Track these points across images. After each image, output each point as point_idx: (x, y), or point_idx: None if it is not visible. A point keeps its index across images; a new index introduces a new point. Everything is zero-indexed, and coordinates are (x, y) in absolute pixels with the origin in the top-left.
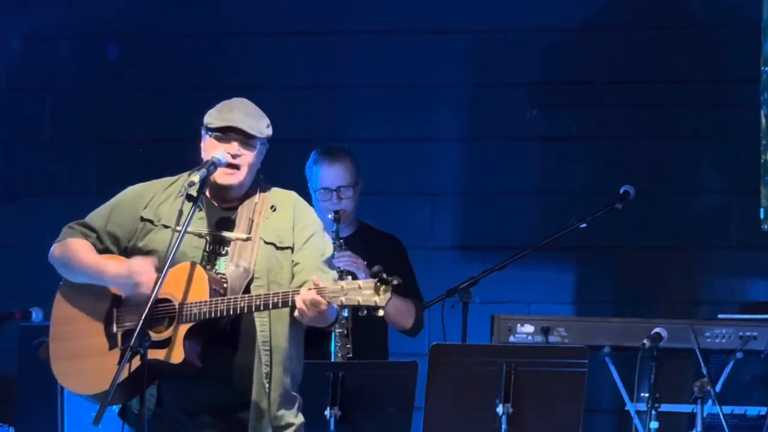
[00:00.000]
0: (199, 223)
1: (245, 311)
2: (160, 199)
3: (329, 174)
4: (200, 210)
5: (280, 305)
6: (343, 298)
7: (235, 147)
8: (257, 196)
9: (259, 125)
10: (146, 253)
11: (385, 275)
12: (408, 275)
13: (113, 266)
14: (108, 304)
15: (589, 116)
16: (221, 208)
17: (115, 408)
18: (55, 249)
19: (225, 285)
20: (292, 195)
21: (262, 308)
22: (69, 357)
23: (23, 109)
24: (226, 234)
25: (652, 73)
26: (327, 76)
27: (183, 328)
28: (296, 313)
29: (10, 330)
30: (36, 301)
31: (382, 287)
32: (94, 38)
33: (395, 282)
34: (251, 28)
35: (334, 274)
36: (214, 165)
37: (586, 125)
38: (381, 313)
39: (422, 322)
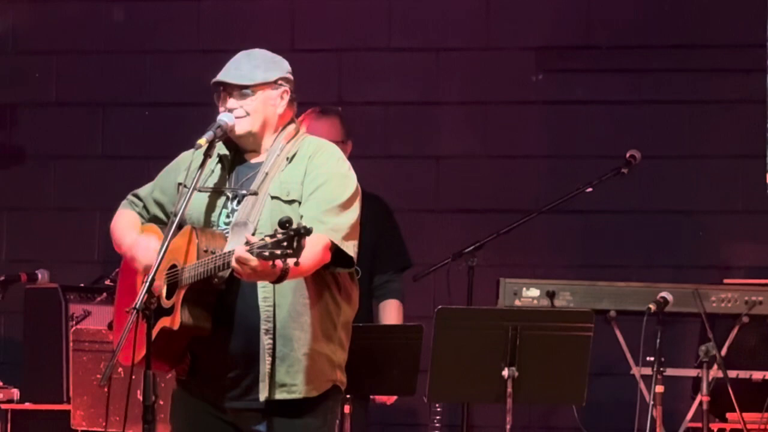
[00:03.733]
0: (223, 180)
1: (212, 272)
2: (198, 162)
3: (317, 127)
4: (223, 168)
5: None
6: (266, 253)
7: (231, 102)
8: (280, 146)
9: (252, 73)
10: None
11: (291, 224)
12: (395, 238)
13: (126, 239)
14: (141, 275)
15: (595, 80)
16: (249, 161)
17: None
18: (112, 221)
19: (224, 244)
20: (314, 144)
21: (221, 268)
22: (117, 330)
23: (30, 71)
24: (237, 191)
25: (659, 37)
26: (332, 39)
27: (180, 294)
28: (235, 272)
29: (17, 292)
30: (42, 264)
31: (295, 238)
32: (101, 0)
33: (302, 231)
34: None
35: (340, 220)
36: (220, 127)
37: (592, 89)
38: (298, 263)
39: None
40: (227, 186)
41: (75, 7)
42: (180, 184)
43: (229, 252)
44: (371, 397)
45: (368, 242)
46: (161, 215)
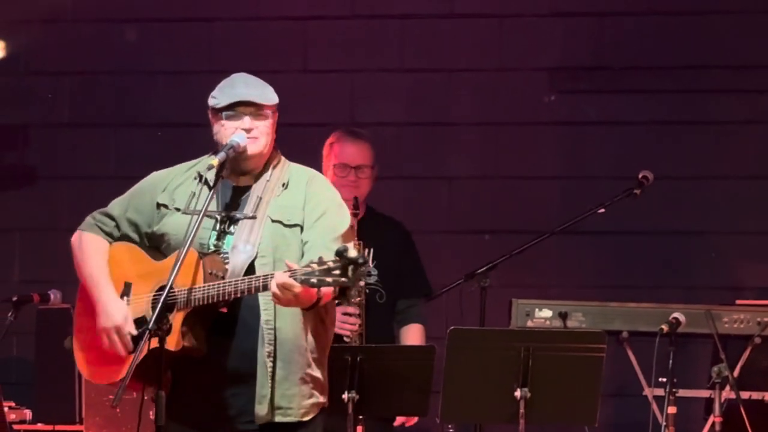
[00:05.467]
0: (212, 203)
1: (231, 296)
2: (177, 183)
3: (351, 150)
4: (208, 190)
5: (261, 288)
6: (314, 280)
7: (247, 122)
8: (270, 172)
9: (265, 93)
10: (160, 236)
11: (350, 253)
12: (415, 264)
13: (104, 297)
14: (120, 294)
15: (608, 101)
16: (237, 185)
17: None
18: (74, 239)
19: (226, 266)
20: (308, 172)
21: (245, 292)
22: (87, 348)
23: (42, 91)
24: (233, 213)
25: (671, 58)
26: (344, 60)
27: (180, 316)
28: (271, 297)
29: (29, 313)
30: (54, 284)
31: (350, 266)
32: (113, 21)
33: (360, 260)
34: (269, 13)
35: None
36: (233, 148)
37: (604, 110)
38: (353, 292)
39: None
40: (217, 209)
41: (87, 28)
42: (162, 204)
43: (265, 276)
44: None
45: (391, 266)
46: (134, 235)
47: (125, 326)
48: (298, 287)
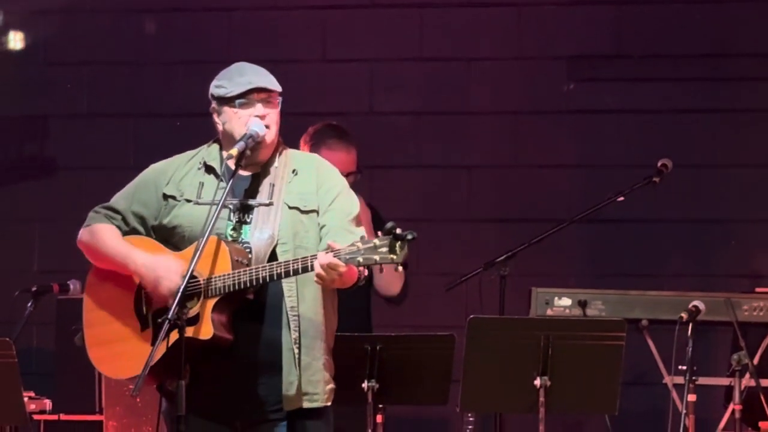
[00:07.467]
0: (218, 191)
1: (267, 280)
2: (181, 174)
3: (346, 159)
4: (222, 180)
5: (300, 271)
6: (360, 258)
7: (260, 108)
8: (276, 159)
9: (273, 80)
10: (171, 229)
11: (398, 230)
12: None
13: (141, 256)
14: (136, 286)
15: (627, 89)
16: (243, 175)
17: None
18: (83, 234)
19: (249, 255)
20: (314, 157)
21: (282, 276)
22: (103, 342)
23: (61, 82)
24: (249, 201)
25: (690, 46)
26: (363, 49)
27: (209, 304)
28: (315, 278)
29: (48, 303)
30: (74, 274)
31: (398, 243)
32: (132, 12)
33: (410, 237)
34: (288, 2)
35: (362, 232)
36: (252, 137)
37: (623, 98)
38: (400, 269)
39: (407, 290)
40: (229, 198)
41: (106, 19)
42: (169, 196)
43: (305, 258)
44: None
45: None
46: (141, 229)
47: (167, 277)
48: (343, 267)
